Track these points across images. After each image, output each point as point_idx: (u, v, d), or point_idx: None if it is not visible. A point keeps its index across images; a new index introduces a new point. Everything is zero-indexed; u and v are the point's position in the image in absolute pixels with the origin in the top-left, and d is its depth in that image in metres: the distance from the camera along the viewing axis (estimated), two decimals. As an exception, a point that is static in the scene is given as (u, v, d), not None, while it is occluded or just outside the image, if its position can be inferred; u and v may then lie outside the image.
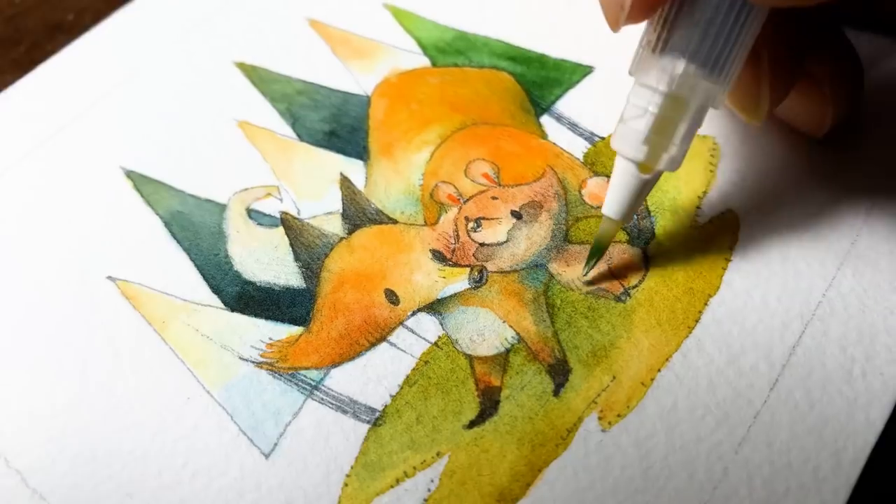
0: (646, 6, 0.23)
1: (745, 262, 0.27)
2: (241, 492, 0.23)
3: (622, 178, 0.24)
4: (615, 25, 0.24)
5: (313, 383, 0.25)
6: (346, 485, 0.23)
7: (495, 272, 0.27)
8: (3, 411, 0.24)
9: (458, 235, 0.28)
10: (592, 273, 0.26)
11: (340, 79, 0.32)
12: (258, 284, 0.27)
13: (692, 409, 0.24)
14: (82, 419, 0.24)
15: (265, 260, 0.27)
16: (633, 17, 0.23)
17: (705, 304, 0.26)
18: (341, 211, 0.28)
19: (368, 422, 0.24)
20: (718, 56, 0.22)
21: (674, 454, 0.23)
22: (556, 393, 0.24)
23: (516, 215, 0.28)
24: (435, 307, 0.26)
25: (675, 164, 0.23)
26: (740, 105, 0.26)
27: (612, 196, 0.24)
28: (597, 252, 0.26)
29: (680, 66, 0.22)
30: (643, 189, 0.24)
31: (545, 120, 0.31)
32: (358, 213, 0.28)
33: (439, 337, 0.26)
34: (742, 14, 0.22)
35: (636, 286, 0.26)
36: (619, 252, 0.27)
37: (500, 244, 0.27)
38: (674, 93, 0.22)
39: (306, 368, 0.25)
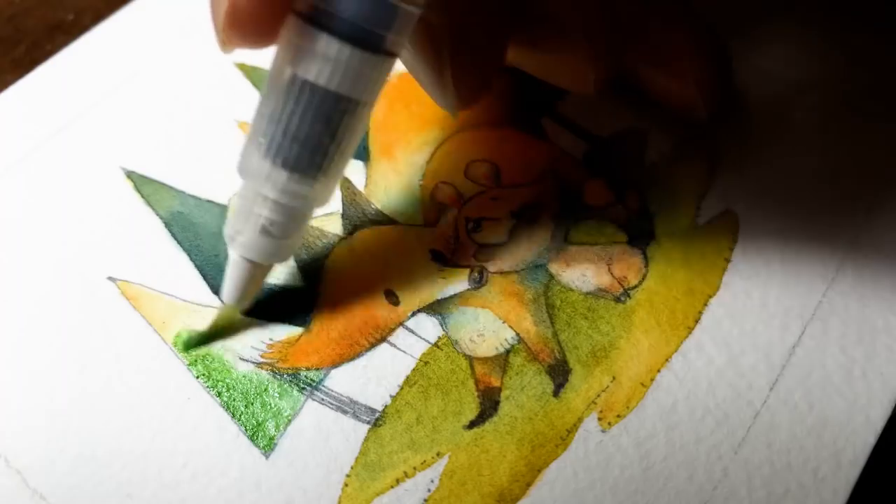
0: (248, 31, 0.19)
1: (744, 262, 0.27)
2: (241, 492, 0.23)
3: (235, 270, 0.24)
4: (222, 45, 0.21)
5: (313, 384, 0.25)
6: (346, 485, 0.23)
7: (495, 273, 0.27)
8: (3, 411, 0.24)
9: (458, 236, 0.28)
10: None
11: (340, 79, 0.32)
12: (258, 285, 0.27)
13: (692, 409, 0.24)
14: (82, 419, 0.24)
15: (265, 260, 0.27)
16: (239, 41, 0.20)
17: (705, 304, 0.26)
18: (341, 211, 0.28)
19: (368, 422, 0.24)
20: (311, 160, 0.21)
21: (674, 454, 0.23)
22: (555, 393, 0.24)
23: (516, 216, 0.28)
24: (435, 308, 0.26)
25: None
26: (433, 98, 0.25)
27: (228, 285, 0.25)
28: (210, 338, 0.25)
29: (279, 174, 0.21)
30: (256, 278, 0.25)
31: (545, 121, 0.31)
32: (358, 214, 0.28)
33: (439, 337, 0.26)
34: (327, 105, 0.20)
35: (636, 287, 0.26)
36: (619, 253, 0.27)
37: (500, 245, 0.27)
38: (277, 200, 0.22)
39: (306, 369, 0.25)
